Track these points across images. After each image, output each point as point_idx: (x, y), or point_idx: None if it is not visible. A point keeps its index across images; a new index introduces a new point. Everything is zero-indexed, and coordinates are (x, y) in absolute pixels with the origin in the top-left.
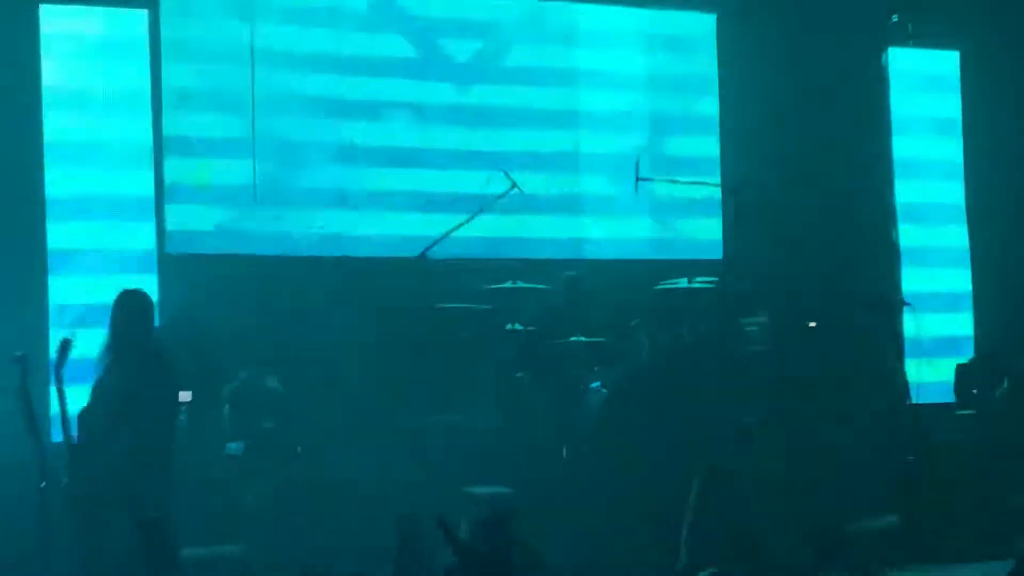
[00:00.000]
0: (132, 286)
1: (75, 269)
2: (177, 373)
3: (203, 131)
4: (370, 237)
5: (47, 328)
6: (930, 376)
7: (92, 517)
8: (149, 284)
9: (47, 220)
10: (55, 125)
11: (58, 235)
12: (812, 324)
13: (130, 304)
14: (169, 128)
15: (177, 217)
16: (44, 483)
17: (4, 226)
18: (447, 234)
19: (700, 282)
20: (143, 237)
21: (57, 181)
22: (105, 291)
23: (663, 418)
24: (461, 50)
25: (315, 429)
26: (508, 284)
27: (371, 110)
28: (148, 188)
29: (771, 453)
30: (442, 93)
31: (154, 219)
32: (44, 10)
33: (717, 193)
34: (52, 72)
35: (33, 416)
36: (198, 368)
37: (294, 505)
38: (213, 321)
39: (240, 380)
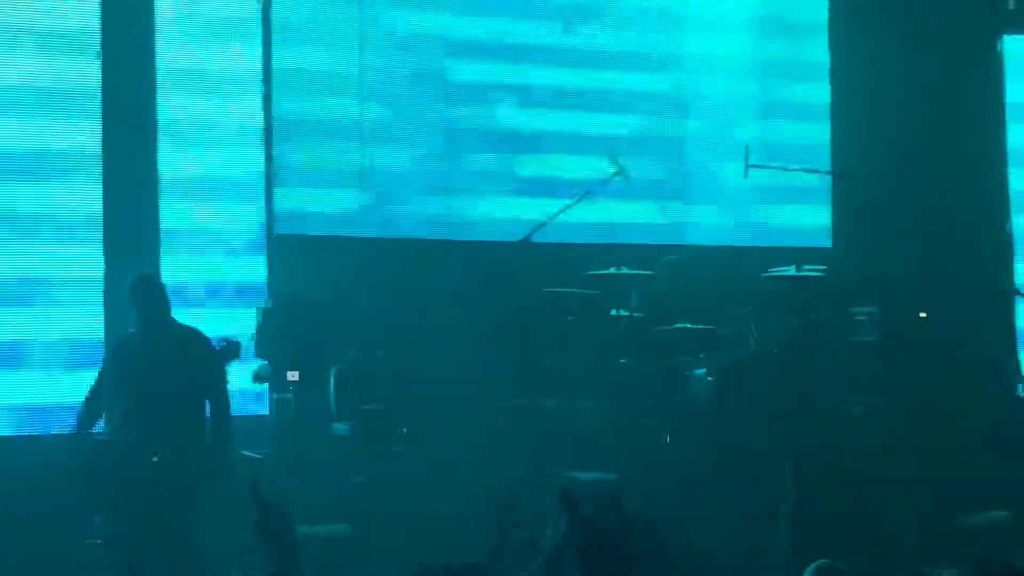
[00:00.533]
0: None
1: (186, 249)
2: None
3: (312, 112)
4: (476, 220)
5: None
6: None
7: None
8: (258, 265)
9: (160, 200)
10: (168, 105)
11: (170, 215)
12: (923, 315)
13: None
14: (279, 109)
15: (286, 198)
16: (156, 457)
17: (119, 206)
18: (552, 218)
19: (808, 270)
20: (253, 218)
21: (170, 161)
22: (216, 271)
23: (770, 407)
24: (568, 33)
25: (420, 411)
26: (612, 270)
27: (478, 92)
28: (259, 169)
29: (880, 444)
30: (549, 76)
31: (264, 200)
32: None
33: (827, 180)
34: (166, 53)
35: None
36: (305, 349)
37: (400, 486)
38: (320, 302)
39: (347, 361)
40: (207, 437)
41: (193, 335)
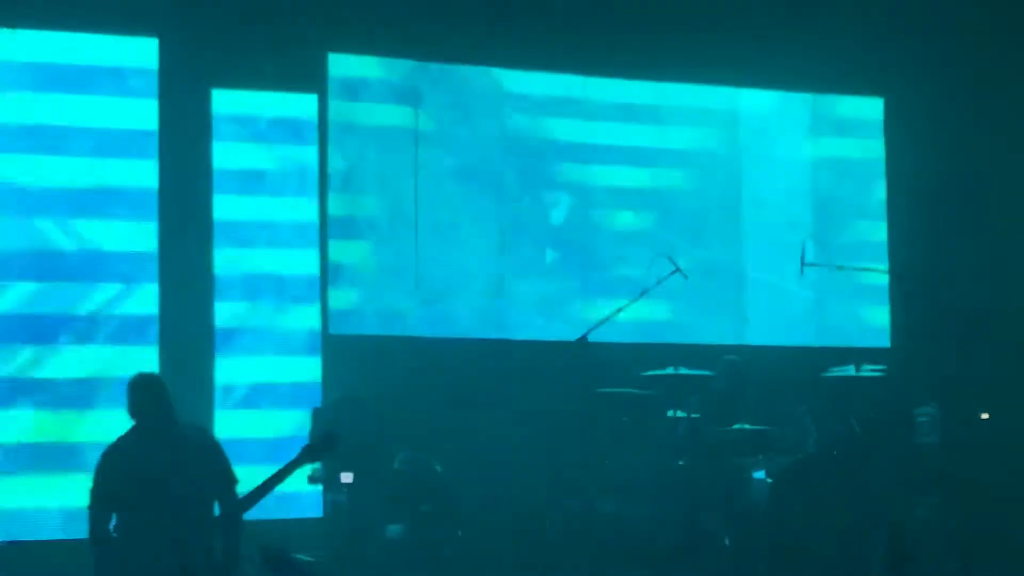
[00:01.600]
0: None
1: (240, 349)
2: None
3: (367, 213)
4: (530, 320)
5: (212, 408)
6: None
7: None
8: (313, 364)
9: (215, 299)
10: (224, 205)
11: (225, 314)
12: (985, 415)
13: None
14: (334, 209)
15: (340, 298)
16: None
17: (174, 304)
18: (608, 317)
19: (868, 370)
20: (308, 317)
21: (225, 260)
22: (269, 371)
23: (831, 509)
24: (624, 133)
25: (475, 513)
26: (670, 370)
27: (532, 191)
28: (314, 269)
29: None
30: (604, 176)
31: (319, 300)
32: (216, 94)
33: (885, 279)
34: (222, 154)
35: None
36: (359, 449)
37: None
38: (374, 403)
39: (400, 462)
40: (218, 536)
41: (200, 434)
